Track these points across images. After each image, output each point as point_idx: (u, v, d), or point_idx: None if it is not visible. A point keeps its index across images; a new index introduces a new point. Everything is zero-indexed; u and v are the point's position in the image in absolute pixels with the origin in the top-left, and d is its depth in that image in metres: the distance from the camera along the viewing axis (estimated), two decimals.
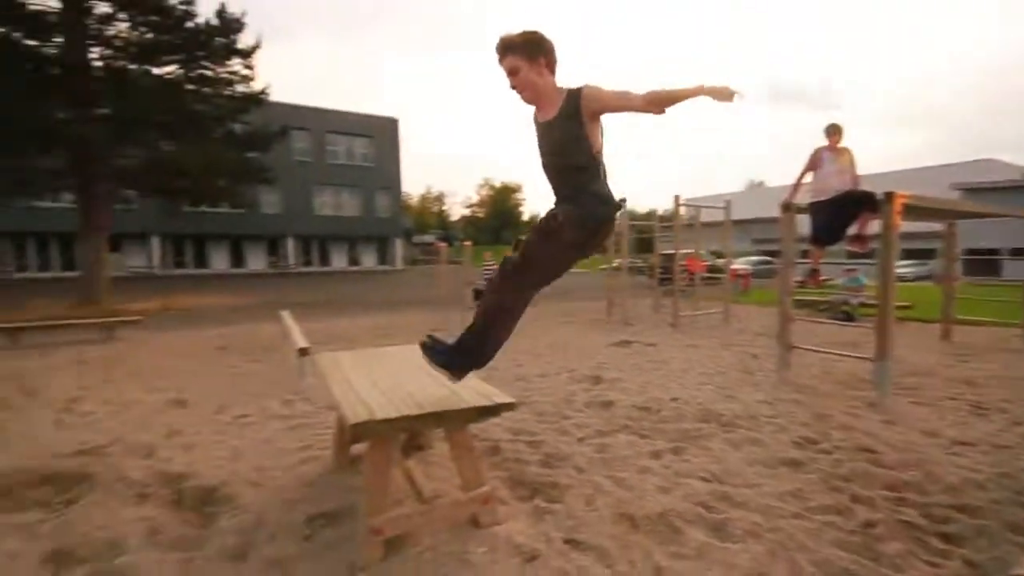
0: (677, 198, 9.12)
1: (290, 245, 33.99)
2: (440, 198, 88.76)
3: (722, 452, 3.39)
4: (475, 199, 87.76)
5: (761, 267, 24.08)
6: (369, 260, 37.94)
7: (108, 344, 7.78)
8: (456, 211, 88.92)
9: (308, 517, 2.51)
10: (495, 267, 10.48)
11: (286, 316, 7.47)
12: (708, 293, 11.56)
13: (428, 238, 69.02)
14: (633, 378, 5.48)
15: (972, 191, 25.57)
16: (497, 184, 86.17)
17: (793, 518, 2.56)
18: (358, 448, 3.26)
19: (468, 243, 12.41)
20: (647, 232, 14.19)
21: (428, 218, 78.79)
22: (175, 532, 2.44)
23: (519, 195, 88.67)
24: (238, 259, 32.92)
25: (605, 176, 2.19)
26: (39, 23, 11.08)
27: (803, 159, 4.98)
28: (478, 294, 12.96)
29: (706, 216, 10.96)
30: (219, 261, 32.30)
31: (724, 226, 10.09)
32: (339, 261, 36.66)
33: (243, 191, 14.84)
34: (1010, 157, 39.54)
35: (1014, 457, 3.32)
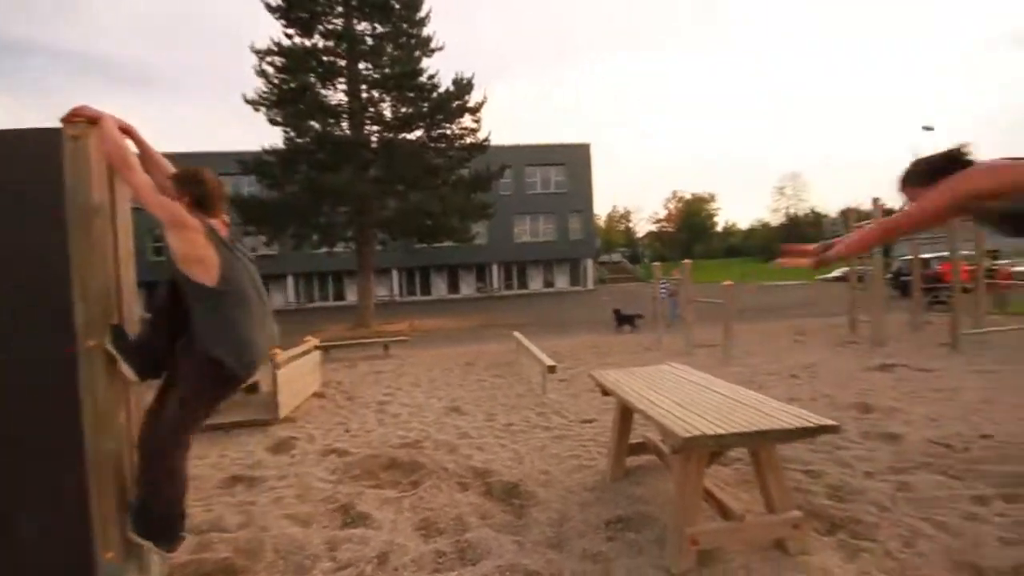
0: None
1: (494, 271, 37.60)
2: (627, 215, 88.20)
3: None
4: (662, 214, 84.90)
5: None
6: (563, 281, 39.61)
7: (386, 359, 9.73)
8: (643, 227, 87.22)
9: (607, 521, 2.80)
10: (667, 287, 9.78)
11: (521, 337, 8.33)
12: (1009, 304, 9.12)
13: (615, 257, 69.05)
14: (913, 408, 4.66)
15: None
16: (687, 195, 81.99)
17: None
18: (633, 461, 3.51)
19: (657, 264, 12.14)
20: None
21: (615, 236, 78.77)
22: (500, 518, 2.97)
23: (712, 205, 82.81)
24: (453, 285, 37.71)
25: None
26: (332, 112, 14.82)
27: None
28: (621, 318, 12.42)
29: None
30: (439, 288, 37.47)
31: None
32: (535, 283, 39.12)
33: (469, 227, 17.22)
34: None
35: None
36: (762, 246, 65.08)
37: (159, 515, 2.07)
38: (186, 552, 2.68)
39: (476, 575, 2.36)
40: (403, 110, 15.93)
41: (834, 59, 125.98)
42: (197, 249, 1.99)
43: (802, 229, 63.23)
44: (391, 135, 15.75)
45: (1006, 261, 13.33)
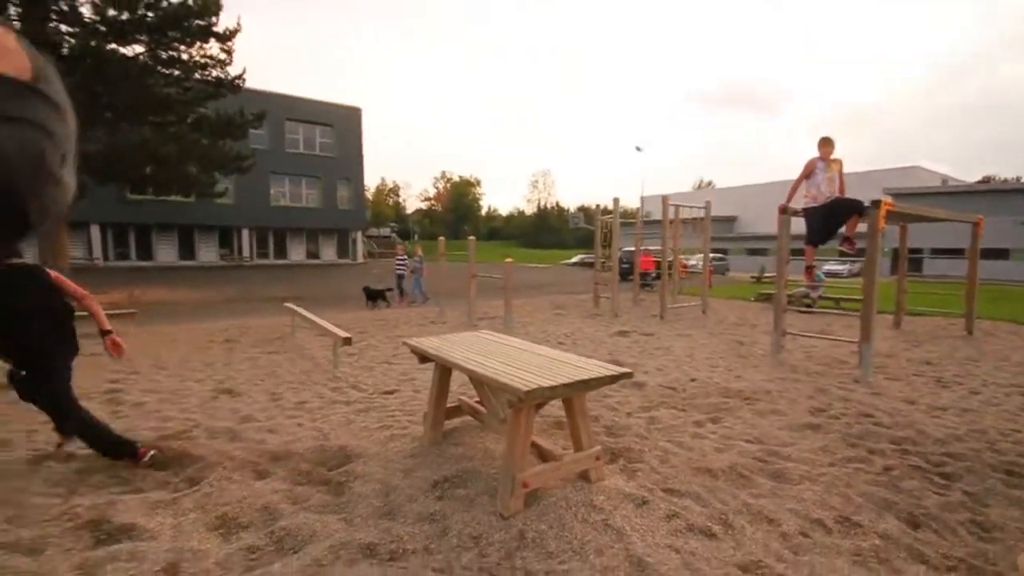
0: (666, 198, 9.77)
1: (244, 235, 32.64)
2: (396, 190, 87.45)
3: (754, 420, 3.97)
4: (432, 192, 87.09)
5: (718, 263, 25.67)
6: (329, 253, 36.99)
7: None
8: (412, 204, 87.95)
9: (433, 482, 2.83)
10: (404, 263, 10.89)
11: (298, 308, 7.55)
12: (685, 287, 12.43)
13: (385, 231, 67.90)
14: (647, 362, 6.03)
15: (902, 196, 28.44)
16: (455, 177, 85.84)
17: (830, 466, 3.14)
18: (453, 423, 3.60)
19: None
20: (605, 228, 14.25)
21: (385, 210, 77.33)
22: (318, 499, 2.70)
23: (478, 190, 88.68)
24: (187, 250, 31.28)
25: None
26: None
27: (798, 168, 5.66)
28: (371, 294, 13.02)
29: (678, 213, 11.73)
30: (166, 253, 30.55)
31: (702, 224, 10.86)
32: (297, 254, 35.54)
33: (214, 179, 14.33)
34: (930, 165, 44.34)
35: (979, 418, 4.09)
36: (520, 232, 73.17)
37: None
38: None
39: (303, 562, 2.12)
40: (112, 13, 11.97)
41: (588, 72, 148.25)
42: None
43: (551, 220, 73.47)
44: (96, 44, 11.77)
45: (682, 256, 17.98)
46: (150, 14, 11.46)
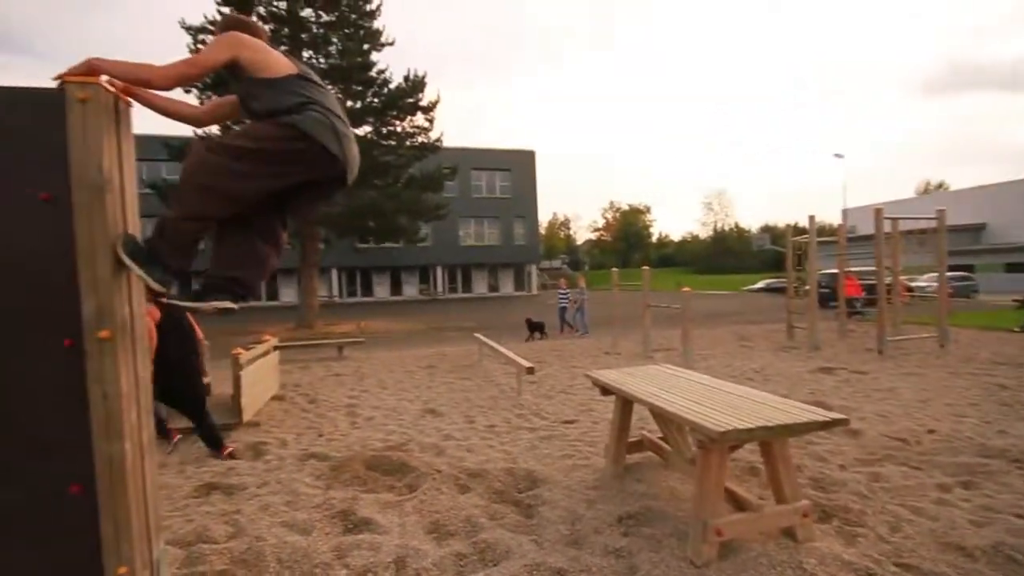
0: (879, 210, 8.31)
1: (439, 273, 37.14)
2: (566, 223, 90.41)
3: None
4: (600, 223, 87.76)
5: (962, 284, 20.52)
6: (507, 285, 39.82)
7: (342, 361, 9.32)
8: (582, 235, 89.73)
9: (618, 517, 2.84)
10: (565, 296, 10.47)
11: (484, 339, 8.29)
12: (910, 315, 10.25)
13: (557, 263, 70.45)
14: (864, 407, 5.12)
15: None
16: (624, 206, 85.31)
17: None
18: (633, 458, 3.59)
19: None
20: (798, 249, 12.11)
21: (556, 242, 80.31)
22: (511, 518, 2.93)
23: (647, 217, 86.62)
24: (396, 287, 36.83)
25: None
26: None
27: None
28: (532, 326, 12.83)
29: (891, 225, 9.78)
30: (381, 290, 36.45)
31: (935, 236, 8.90)
32: (480, 287, 39.05)
33: (419, 227, 16.87)
34: None
35: None
36: (695, 257, 68.80)
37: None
38: (177, 566, 2.44)
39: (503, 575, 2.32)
40: (351, 104, 15.39)
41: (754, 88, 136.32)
42: (262, 52, 1.87)
43: (729, 243, 67.62)
44: None
45: (904, 277, 14.98)
46: (375, 100, 14.31)
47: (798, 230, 10.92)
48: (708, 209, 77.24)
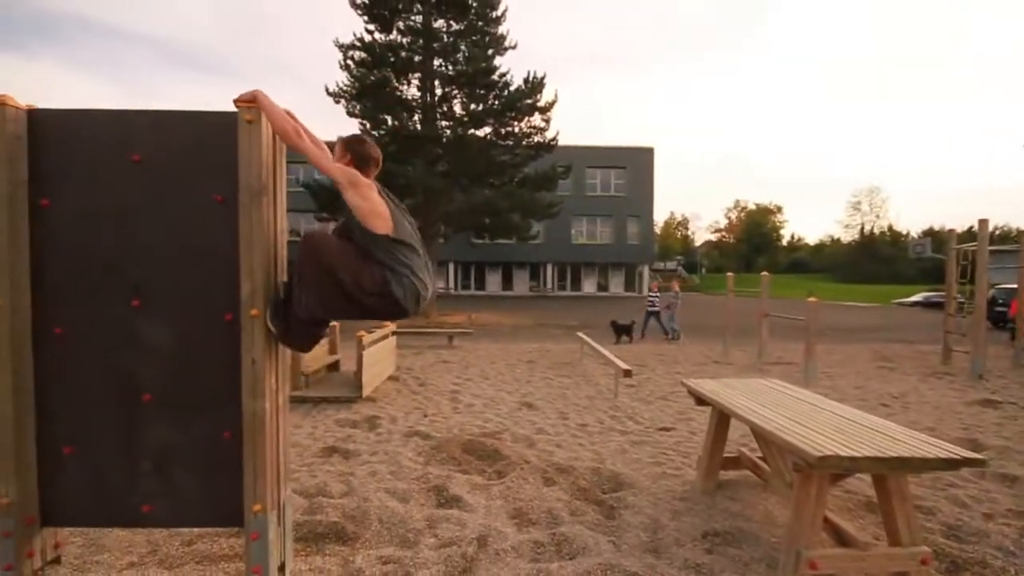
0: None
1: (549, 270, 37.55)
2: (684, 223, 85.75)
3: None
4: (723, 223, 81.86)
5: None
6: (617, 285, 38.98)
7: (451, 349, 9.96)
8: (701, 236, 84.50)
9: (703, 533, 2.75)
10: (658, 299, 9.54)
11: (586, 338, 8.29)
12: None
13: (671, 264, 67.17)
14: None
15: None
16: (751, 205, 78.65)
17: None
18: (728, 475, 3.43)
19: (730, 275, 11.41)
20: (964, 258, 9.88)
21: (672, 243, 76.55)
22: (592, 517, 2.98)
23: (778, 217, 78.92)
24: (507, 282, 37.98)
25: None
26: (406, 106, 15.31)
27: None
28: (618, 329, 11.70)
29: None
30: (493, 284, 37.84)
31: None
32: (589, 286, 38.72)
33: (531, 225, 17.29)
34: None
35: None
36: (835, 263, 61.06)
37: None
38: (300, 513, 2.87)
39: (577, 570, 2.39)
40: (473, 107, 16.25)
41: (927, 58, 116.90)
42: (375, 205, 2.11)
43: (879, 248, 58.97)
44: (461, 131, 16.11)
45: None
46: (496, 103, 14.97)
47: (966, 235, 9.27)
48: (855, 209, 67.79)
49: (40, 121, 2.13)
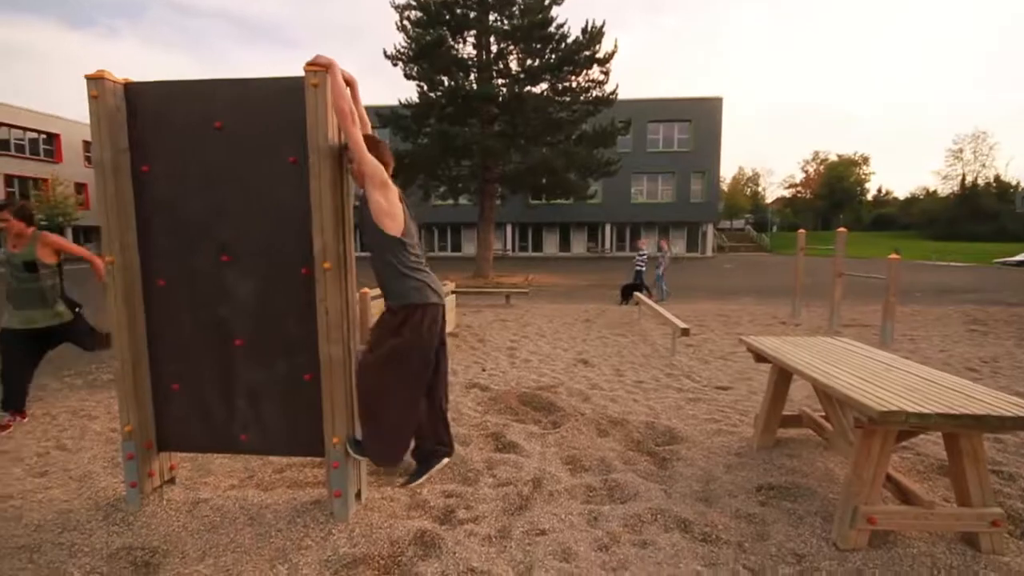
0: None
1: (607, 231, 36.79)
2: (754, 178, 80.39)
3: None
4: (798, 177, 75.97)
5: None
6: (679, 246, 37.61)
7: (508, 308, 10.17)
8: (773, 192, 79.09)
9: (757, 486, 2.76)
10: (643, 258, 8.98)
11: (644, 298, 8.19)
12: None
13: (739, 223, 63.63)
14: None
15: None
16: (832, 157, 72.19)
17: None
18: (788, 433, 3.38)
19: (801, 231, 10.73)
20: None
21: (740, 200, 72.12)
22: (644, 466, 3.06)
23: (863, 169, 72.05)
24: (565, 244, 37.67)
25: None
26: (462, 65, 15.16)
27: None
28: (627, 289, 11.11)
29: None
30: (550, 246, 37.67)
31: None
32: (649, 247, 37.64)
33: (589, 184, 16.92)
34: None
35: None
36: (929, 219, 55.25)
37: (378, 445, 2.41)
38: None
39: (627, 512, 2.49)
40: (529, 62, 15.81)
41: None
42: (393, 207, 2.29)
43: (981, 202, 52.64)
44: (517, 88, 15.77)
45: None
46: (553, 56, 14.48)
47: None
48: (955, 159, 60.63)
49: (135, 93, 2.35)
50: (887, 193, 76.42)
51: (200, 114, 2.31)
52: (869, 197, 73.15)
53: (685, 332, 5.56)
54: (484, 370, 5.35)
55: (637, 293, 9.69)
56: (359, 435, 2.43)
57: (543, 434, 3.52)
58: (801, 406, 3.68)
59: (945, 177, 61.80)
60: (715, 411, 4.08)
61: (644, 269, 12.64)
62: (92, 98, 2.25)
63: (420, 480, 2.68)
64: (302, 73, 2.24)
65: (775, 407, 3.21)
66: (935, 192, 63.82)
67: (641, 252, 12.87)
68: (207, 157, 2.33)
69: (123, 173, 2.35)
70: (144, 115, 2.35)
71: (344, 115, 2.21)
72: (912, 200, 68.53)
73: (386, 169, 2.37)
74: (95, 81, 2.24)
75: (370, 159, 2.24)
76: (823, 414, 3.22)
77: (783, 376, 3.18)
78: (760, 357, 3.31)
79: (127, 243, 2.37)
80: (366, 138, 2.36)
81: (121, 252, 2.35)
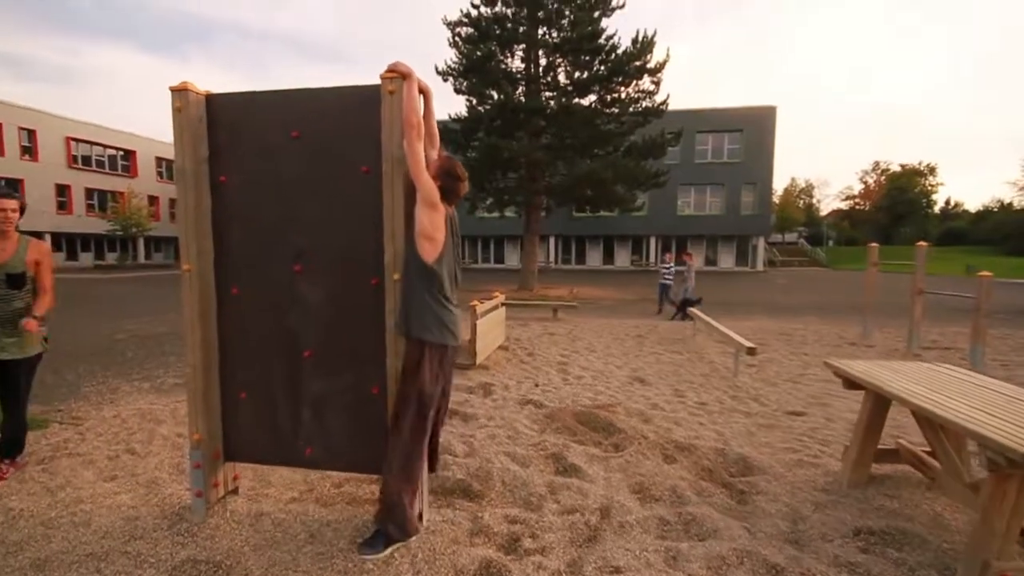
0: None
1: (652, 244, 36.01)
2: (808, 190, 76.93)
3: None
4: (857, 189, 72.19)
5: None
6: (727, 260, 36.35)
7: (556, 322, 10.00)
8: (828, 204, 75.46)
9: (855, 530, 2.47)
10: (670, 271, 8.33)
11: (700, 314, 7.84)
12: None
13: (792, 236, 60.91)
14: None
15: None
16: (894, 167, 68.27)
17: None
18: (882, 469, 3.06)
19: (874, 245, 9.94)
20: None
21: (793, 212, 69.08)
22: (720, 499, 2.82)
23: (930, 180, 67.66)
24: (608, 256, 37.14)
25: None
26: (510, 78, 15.26)
27: None
28: (683, 305, 10.40)
29: None
30: (593, 258, 37.23)
31: None
32: (697, 261, 36.54)
33: (636, 196, 16.59)
34: None
35: None
36: (1004, 233, 51.25)
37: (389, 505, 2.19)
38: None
39: (709, 552, 2.27)
40: (578, 75, 15.75)
41: None
42: (436, 231, 2.16)
43: None
44: (565, 101, 15.74)
45: None
46: (602, 68, 14.36)
47: None
48: None
49: (216, 104, 2.38)
50: (956, 205, 71.47)
51: (278, 124, 2.32)
52: (936, 210, 68.54)
53: (751, 351, 5.23)
54: (537, 385, 5.21)
55: (692, 308, 9.32)
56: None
57: (605, 457, 3.34)
58: (894, 438, 3.33)
59: (1022, 188, 57.12)
60: (791, 439, 3.77)
61: (671, 283, 12.35)
62: (176, 110, 2.29)
63: (376, 556, 2.17)
64: (377, 82, 2.21)
65: (869, 439, 2.90)
66: (1010, 204, 59.11)
67: (667, 265, 12.58)
68: (282, 167, 2.32)
69: (202, 182, 2.37)
70: (223, 126, 2.37)
71: (411, 127, 2.14)
72: (985, 213, 63.69)
73: (459, 190, 2.30)
74: (179, 93, 2.28)
75: (425, 179, 2.15)
76: (925, 448, 2.89)
77: (879, 405, 2.88)
78: (851, 383, 3.01)
79: (204, 250, 2.39)
80: (440, 158, 2.32)
81: (197, 259, 2.37)
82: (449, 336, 2.26)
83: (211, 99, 2.39)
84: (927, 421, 2.62)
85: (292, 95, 2.31)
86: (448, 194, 2.26)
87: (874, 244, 8.94)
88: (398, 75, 2.18)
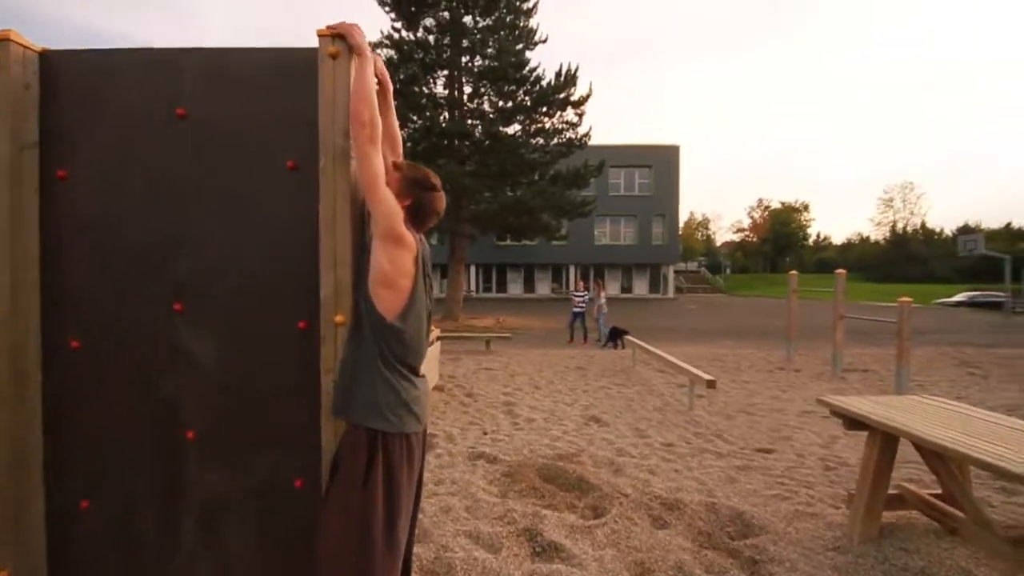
0: None
1: (571, 272, 36.83)
2: (705, 223, 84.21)
3: None
4: (745, 223, 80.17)
5: None
6: (641, 287, 38.10)
7: (490, 355, 9.38)
8: (721, 236, 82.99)
9: None
10: (583, 299, 8.78)
11: (641, 343, 7.65)
12: None
13: (693, 265, 65.75)
14: None
15: None
16: (775, 204, 76.76)
17: None
18: (892, 516, 2.78)
19: (793, 273, 10.65)
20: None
21: (693, 244, 74.95)
22: (734, 575, 2.36)
23: (804, 215, 76.86)
24: (529, 285, 37.37)
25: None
26: (435, 104, 14.84)
27: None
28: (614, 333, 11.05)
29: None
30: (515, 287, 37.26)
31: None
32: (612, 288, 37.85)
33: (561, 225, 16.65)
34: None
35: None
36: (864, 262, 59.29)
37: None
38: None
39: None
40: (503, 103, 15.75)
41: (966, 35, 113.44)
42: (400, 275, 1.50)
43: (910, 247, 57.00)
44: (492, 128, 15.62)
45: None
46: (527, 98, 14.41)
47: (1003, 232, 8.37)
48: (886, 206, 66.01)
49: (57, 67, 1.60)
50: (825, 238, 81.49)
51: (155, 96, 1.59)
52: (810, 242, 77.65)
53: (711, 384, 4.99)
54: (486, 434, 4.56)
55: (628, 337, 9.17)
56: None
57: (588, 527, 2.77)
58: (899, 482, 3.11)
59: (878, 224, 66.83)
60: (773, 483, 3.46)
61: (583, 311, 12.49)
62: None
63: None
64: (313, 44, 1.57)
65: (878, 485, 2.61)
66: (868, 238, 68.67)
67: (579, 293, 12.76)
68: (158, 158, 1.59)
69: (25, 178, 1.56)
70: (67, 96, 1.60)
71: (362, 125, 1.45)
72: (849, 245, 73.34)
73: (436, 205, 1.63)
74: None
75: (383, 200, 1.46)
76: (934, 492, 2.66)
77: (887, 447, 2.61)
78: (854, 422, 2.73)
79: (23, 281, 1.56)
80: (401, 166, 1.64)
81: (11, 295, 1.53)
82: (411, 420, 1.54)
83: (49, 57, 1.61)
84: (944, 463, 2.37)
85: (177, 56, 1.60)
86: (419, 216, 1.58)
87: (794, 272, 9.43)
88: (340, 38, 1.55)
